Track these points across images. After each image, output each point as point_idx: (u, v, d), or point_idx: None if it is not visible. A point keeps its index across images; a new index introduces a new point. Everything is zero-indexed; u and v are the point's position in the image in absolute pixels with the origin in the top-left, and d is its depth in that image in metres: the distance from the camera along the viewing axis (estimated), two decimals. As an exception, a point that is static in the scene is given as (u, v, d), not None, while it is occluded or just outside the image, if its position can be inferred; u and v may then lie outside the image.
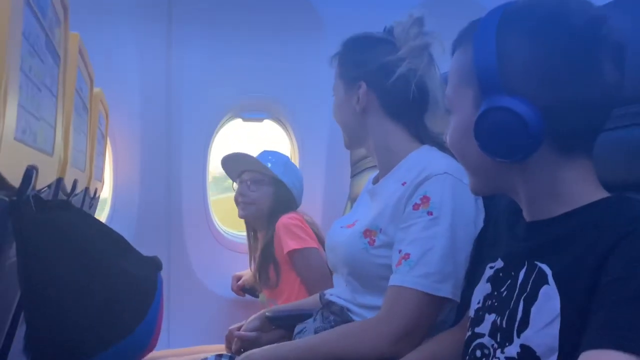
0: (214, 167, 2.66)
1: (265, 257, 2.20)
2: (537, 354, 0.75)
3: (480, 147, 0.80)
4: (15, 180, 0.72)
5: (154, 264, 0.95)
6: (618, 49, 0.78)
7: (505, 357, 0.79)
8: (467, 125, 0.82)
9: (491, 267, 0.91)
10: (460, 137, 0.86)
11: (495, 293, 0.87)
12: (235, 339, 1.54)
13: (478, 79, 0.80)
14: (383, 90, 1.28)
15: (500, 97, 0.77)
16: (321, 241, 2.23)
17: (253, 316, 1.58)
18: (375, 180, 1.38)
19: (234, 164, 2.35)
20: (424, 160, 1.23)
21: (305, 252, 2.12)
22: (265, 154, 2.34)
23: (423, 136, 1.31)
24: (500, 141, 0.78)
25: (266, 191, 2.26)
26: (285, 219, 2.17)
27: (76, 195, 1.36)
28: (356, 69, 1.32)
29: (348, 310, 1.28)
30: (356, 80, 1.30)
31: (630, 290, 0.66)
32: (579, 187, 0.80)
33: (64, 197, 1.21)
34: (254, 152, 2.38)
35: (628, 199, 0.78)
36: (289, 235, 2.13)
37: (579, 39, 0.76)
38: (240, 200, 2.29)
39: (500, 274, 0.87)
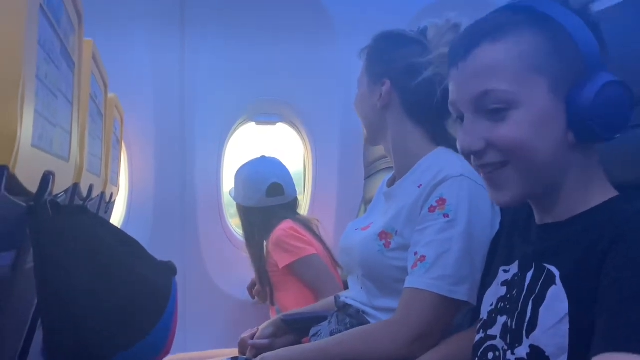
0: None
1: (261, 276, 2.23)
2: (547, 354, 0.75)
3: (597, 129, 0.76)
4: (32, 185, 0.73)
5: (169, 269, 0.96)
6: None
7: (516, 359, 0.79)
8: (543, 115, 0.77)
9: (506, 271, 0.90)
10: (534, 130, 0.77)
11: (508, 296, 0.87)
12: (249, 347, 1.54)
13: (584, 59, 0.77)
14: (406, 90, 1.28)
15: (602, 72, 0.76)
16: (321, 239, 2.22)
17: (266, 322, 1.58)
18: (390, 183, 1.38)
19: None
20: (440, 163, 1.22)
21: (302, 262, 2.09)
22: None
23: (441, 140, 1.30)
24: (616, 116, 0.76)
25: (247, 228, 2.30)
26: (277, 233, 2.14)
27: (92, 200, 1.37)
28: (383, 65, 1.31)
29: (364, 312, 1.28)
30: (381, 77, 1.30)
31: (630, 290, 0.66)
32: (590, 188, 0.81)
33: (80, 202, 1.22)
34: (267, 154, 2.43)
35: (630, 197, 0.79)
36: (281, 249, 2.11)
37: None
38: None
39: (515, 278, 0.87)
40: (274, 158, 2.42)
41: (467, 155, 0.83)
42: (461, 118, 0.85)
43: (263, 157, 2.41)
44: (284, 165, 2.39)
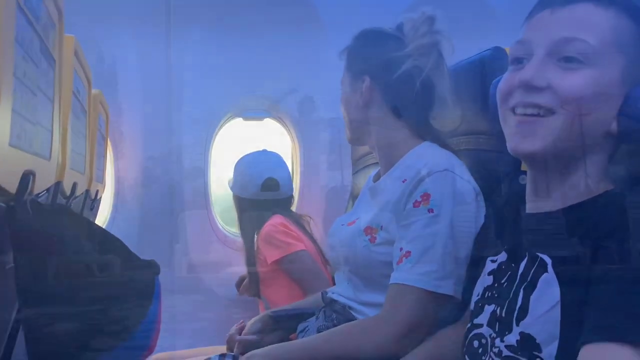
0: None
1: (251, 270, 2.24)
2: (537, 341, 0.76)
3: None
4: (11, 185, 0.72)
5: (152, 268, 0.95)
6: None
7: (505, 346, 0.80)
8: (608, 88, 0.78)
9: (493, 261, 0.91)
10: (596, 95, 0.78)
11: (496, 285, 0.87)
12: (237, 342, 1.53)
13: None
14: (386, 85, 1.28)
15: None
16: (311, 236, 2.22)
17: (254, 318, 1.58)
18: (376, 178, 1.38)
19: None
20: (424, 158, 1.22)
21: (291, 257, 2.08)
22: None
23: (425, 133, 1.30)
24: None
25: (241, 219, 2.29)
26: (266, 228, 2.14)
27: (76, 198, 1.36)
28: (362, 63, 1.32)
29: (350, 308, 1.28)
30: (361, 74, 1.30)
31: (623, 282, 0.67)
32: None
33: (63, 201, 1.21)
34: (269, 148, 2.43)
35: (625, 190, 0.79)
36: (270, 245, 2.10)
37: None
38: None
39: (503, 267, 0.88)
40: (275, 153, 2.40)
41: (524, 86, 0.81)
42: (518, 60, 0.83)
43: (264, 151, 2.39)
44: (284, 162, 2.37)
